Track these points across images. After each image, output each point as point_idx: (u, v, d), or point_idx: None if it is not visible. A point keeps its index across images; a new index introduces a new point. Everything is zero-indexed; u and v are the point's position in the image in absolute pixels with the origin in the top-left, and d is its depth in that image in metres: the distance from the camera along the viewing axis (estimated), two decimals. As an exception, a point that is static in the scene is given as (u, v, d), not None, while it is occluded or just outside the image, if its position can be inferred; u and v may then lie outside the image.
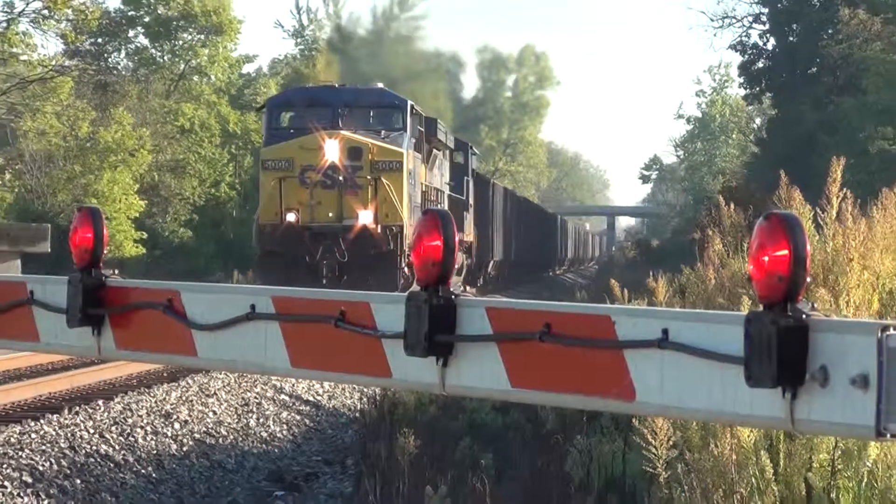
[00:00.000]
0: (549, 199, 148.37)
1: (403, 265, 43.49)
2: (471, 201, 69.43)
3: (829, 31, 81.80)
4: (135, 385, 32.17)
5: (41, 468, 24.68)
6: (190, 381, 33.87)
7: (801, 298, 6.41)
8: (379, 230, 39.26)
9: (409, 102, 44.51)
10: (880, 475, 14.62)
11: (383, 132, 41.92)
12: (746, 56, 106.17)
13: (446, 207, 59.56)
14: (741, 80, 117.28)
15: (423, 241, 7.29)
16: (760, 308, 6.39)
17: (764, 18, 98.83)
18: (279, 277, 35.54)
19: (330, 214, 36.89)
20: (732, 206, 25.75)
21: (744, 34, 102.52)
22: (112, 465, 26.15)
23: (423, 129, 54.17)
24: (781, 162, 32.67)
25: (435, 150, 58.98)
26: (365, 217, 37.93)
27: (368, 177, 39.40)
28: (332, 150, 37.92)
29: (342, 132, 39.80)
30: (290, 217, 36.20)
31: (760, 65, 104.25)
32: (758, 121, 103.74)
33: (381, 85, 74.94)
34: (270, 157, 38.79)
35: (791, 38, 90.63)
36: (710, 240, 22.57)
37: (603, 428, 19.55)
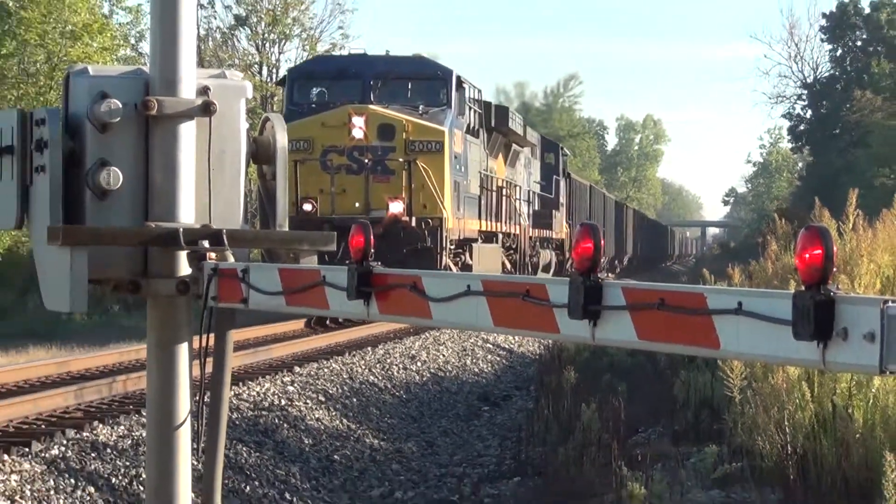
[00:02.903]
0: (663, 216, 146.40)
1: (447, 262, 31.88)
2: (562, 200, 54.76)
3: (848, 105, 78.96)
4: (391, 338, 32.90)
5: (331, 392, 25.62)
6: (427, 335, 33.94)
7: (830, 282, 5.31)
8: (413, 223, 27.79)
9: (455, 73, 31.30)
10: (881, 397, 14.90)
11: (422, 107, 28.74)
12: (792, 122, 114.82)
13: (537, 206, 50.04)
14: (789, 137, 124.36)
15: (580, 244, 6.50)
16: (803, 288, 5.32)
17: (805, 97, 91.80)
18: None
19: (356, 205, 25.35)
20: (784, 220, 24.76)
21: (790, 107, 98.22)
22: (377, 389, 27.21)
23: (480, 111, 38.21)
24: (816, 192, 32.24)
25: (516, 146, 43.65)
26: (396, 208, 26.26)
27: (402, 160, 26.89)
28: (359, 128, 25.25)
29: (371, 107, 26.85)
30: (307, 207, 25.22)
31: (802, 128, 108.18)
32: (800, 164, 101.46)
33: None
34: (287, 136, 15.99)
35: (822, 110, 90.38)
36: (769, 243, 22.16)
37: (698, 367, 20.02)
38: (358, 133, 22.62)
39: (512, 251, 43.23)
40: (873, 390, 14.65)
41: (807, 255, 5.51)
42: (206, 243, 7.85)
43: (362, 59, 28.88)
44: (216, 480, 8.07)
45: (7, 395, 20.42)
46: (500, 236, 41.45)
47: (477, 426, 25.24)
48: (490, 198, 36.69)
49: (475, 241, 37.15)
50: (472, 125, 38.05)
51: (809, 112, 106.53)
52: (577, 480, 17.46)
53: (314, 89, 26.49)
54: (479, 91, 40.04)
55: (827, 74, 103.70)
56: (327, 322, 30.69)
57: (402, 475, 20.66)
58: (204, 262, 7.85)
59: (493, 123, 38.42)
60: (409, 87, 24.44)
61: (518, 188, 44.03)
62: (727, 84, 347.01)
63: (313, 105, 28.17)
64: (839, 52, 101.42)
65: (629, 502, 15.41)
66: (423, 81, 25.19)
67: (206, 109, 7.94)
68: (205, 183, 8.03)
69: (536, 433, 22.21)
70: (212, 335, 7.92)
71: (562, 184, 54.63)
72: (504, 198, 40.18)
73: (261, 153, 8.02)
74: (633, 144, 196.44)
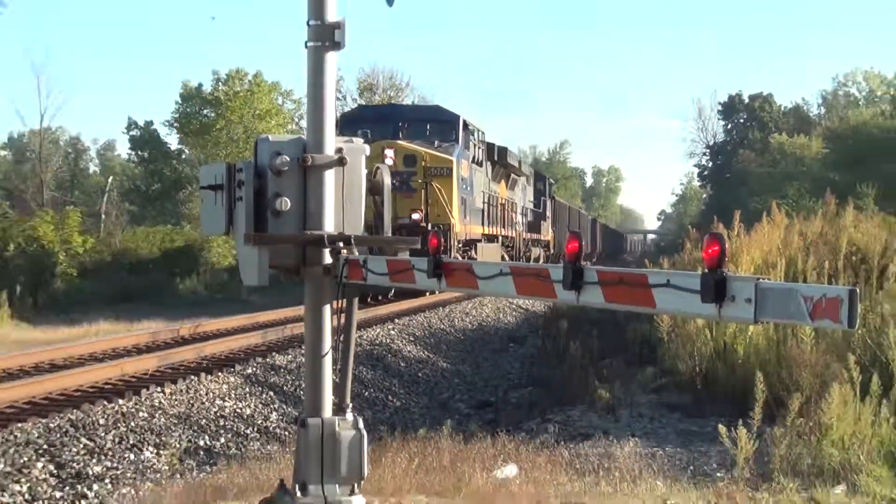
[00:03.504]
0: (620, 226, 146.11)
1: (455, 255, 29.86)
2: (548, 214, 51.75)
3: (734, 159, 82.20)
4: (454, 301, 32.15)
5: (417, 334, 25.04)
6: (475, 301, 32.92)
7: (723, 267, 5.70)
8: (428, 227, 26.00)
9: (462, 118, 30.81)
10: (755, 338, 15.04)
11: (437, 143, 28.26)
12: (700, 169, 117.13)
13: (530, 218, 47.31)
14: (698, 179, 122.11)
15: (570, 244, 6.57)
16: (707, 271, 5.64)
17: (707, 153, 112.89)
18: None
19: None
20: (694, 230, 27.03)
21: (699, 159, 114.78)
22: (445, 333, 26.67)
23: (483, 146, 36.43)
24: (715, 213, 31.27)
25: (514, 176, 41.96)
26: (416, 216, 25.67)
27: (421, 181, 26.44)
28: (390, 158, 24.91)
29: (399, 142, 26.55)
30: None
31: (706, 173, 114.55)
32: (705, 195, 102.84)
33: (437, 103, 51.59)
34: None
35: (718, 162, 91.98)
36: (685, 244, 23.00)
37: (641, 320, 19.34)
38: (389, 161, 21.70)
39: (509, 248, 41.81)
40: (749, 333, 14.96)
41: (709, 251, 5.72)
42: (340, 244, 7.84)
43: (394, 108, 27.35)
44: (347, 388, 8.00)
45: (221, 335, 21.73)
46: (500, 238, 40.09)
47: (506, 356, 25.10)
48: (494, 211, 35.58)
49: (479, 241, 35.57)
50: (476, 157, 36.39)
51: (711, 163, 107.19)
52: (567, 389, 17.50)
53: (359, 130, 24.13)
54: (483, 132, 37.98)
55: (721, 140, 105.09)
56: (369, 299, 28.86)
57: (460, 386, 20.88)
58: (339, 255, 7.84)
59: (496, 158, 36.24)
60: (428, 127, 23.58)
61: (515, 205, 41.49)
62: (665, 142, 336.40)
63: None
64: (729, 125, 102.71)
65: (599, 402, 15.75)
66: (438, 123, 24.31)
67: (341, 162, 7.90)
68: (339, 207, 7.97)
69: (542, 360, 22.87)
70: (343, 300, 8.14)
71: (548, 203, 52.22)
72: (505, 211, 38.22)
73: (374, 188, 8.02)
74: (602, 182, 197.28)
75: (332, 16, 8.23)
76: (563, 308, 24.60)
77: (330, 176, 7.90)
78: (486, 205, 35.93)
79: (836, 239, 18.60)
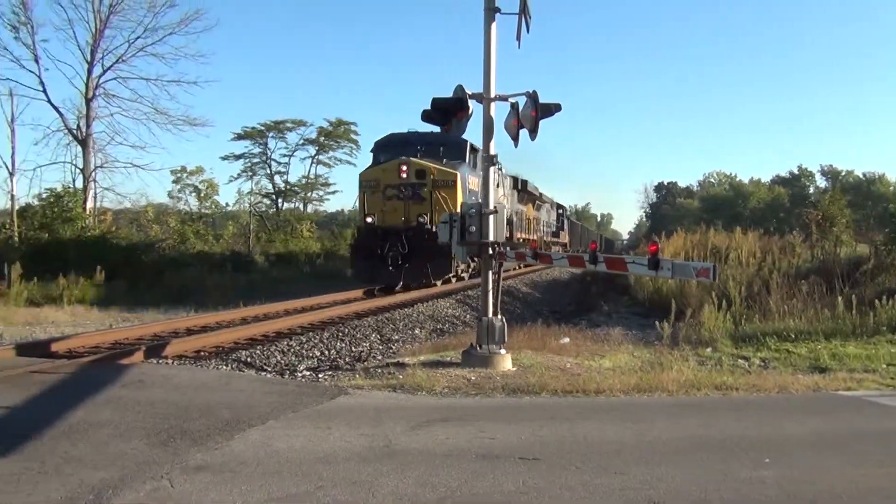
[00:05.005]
0: (612, 237, 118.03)
1: (453, 256, 17.00)
2: (565, 228, 41.39)
3: (660, 209, 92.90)
4: (538, 271, 26.77)
5: (526, 282, 22.63)
6: (549, 270, 27.48)
7: (657, 254, 6.20)
8: (433, 229, 18.03)
9: (469, 141, 20.91)
10: (670, 283, 14.48)
11: (445, 161, 19.75)
12: (646, 212, 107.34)
13: (553, 230, 38.01)
14: (645, 217, 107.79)
15: (592, 245, 7.59)
16: (650, 255, 6.21)
17: (649, 208, 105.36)
18: (363, 263, 17.82)
19: (401, 219, 17.28)
20: (645, 239, 26.76)
21: (646, 209, 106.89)
22: (536, 283, 23.47)
23: (501, 173, 22.60)
24: (654, 231, 30.72)
25: (538, 202, 32.96)
26: (423, 220, 17.59)
27: (427, 190, 18.25)
28: (404, 172, 17.86)
29: (413, 159, 18.93)
30: (369, 219, 17.60)
31: (649, 213, 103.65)
32: (649, 223, 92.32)
33: None
34: (364, 178, 17.97)
35: (654, 210, 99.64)
36: (642, 244, 22.78)
37: (625, 277, 17.27)
38: (403, 175, 17.27)
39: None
40: (669, 283, 14.51)
41: (651, 248, 6.46)
42: (496, 245, 8.02)
43: (416, 134, 21.83)
44: (497, 304, 8.06)
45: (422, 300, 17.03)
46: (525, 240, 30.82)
47: (560, 293, 21.66)
48: (521, 223, 25.54)
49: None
50: (481, 172, 18.33)
51: (651, 210, 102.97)
52: (589, 307, 16.30)
53: (388, 153, 19.28)
54: (496, 155, 19.30)
55: (654, 201, 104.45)
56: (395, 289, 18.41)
57: (544, 303, 18.51)
58: (495, 250, 8.03)
59: (520, 188, 27.04)
60: (441, 150, 18.82)
61: (539, 220, 31.38)
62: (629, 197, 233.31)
63: (382, 160, 19.73)
64: (659, 195, 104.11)
65: (603, 311, 15.52)
66: (448, 146, 19.15)
67: (495, 210, 8.06)
68: (495, 230, 8.05)
69: (578, 294, 20.08)
70: (496, 268, 7.90)
71: (565, 222, 41.98)
72: (531, 223, 27.85)
73: (509, 223, 7.65)
74: (605, 218, 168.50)
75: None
76: (588, 272, 22.58)
77: (491, 217, 8.22)
78: (515, 218, 25.97)
79: (706, 242, 19.33)
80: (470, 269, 20.43)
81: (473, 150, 19.78)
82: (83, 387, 6.50)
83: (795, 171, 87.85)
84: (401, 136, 20.09)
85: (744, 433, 5.58)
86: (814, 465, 4.92)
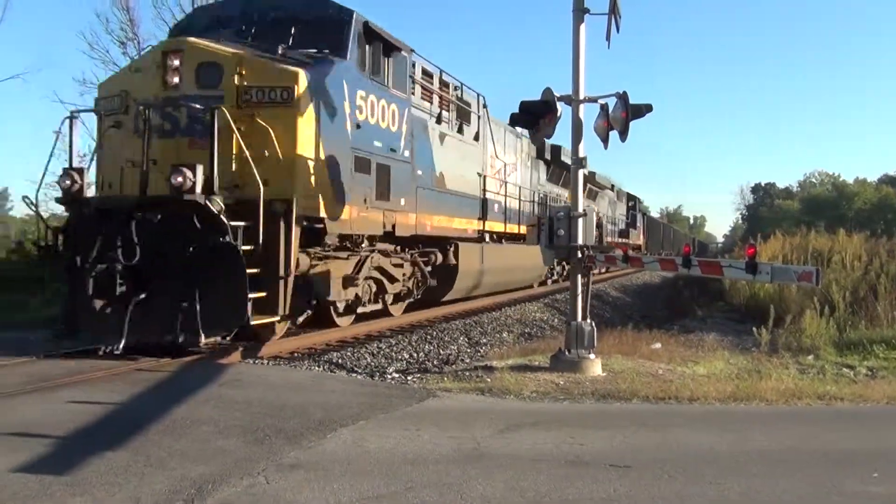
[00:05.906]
0: (705, 240, 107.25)
1: (284, 276, 6.83)
2: (638, 225, 33.71)
3: (758, 211, 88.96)
4: (628, 275, 25.98)
5: (616, 287, 22.62)
6: (640, 274, 26.44)
7: (755, 257, 5.93)
8: (217, 200, 5.57)
9: (356, 15, 7.45)
10: (769, 289, 13.62)
11: (288, 50, 6.44)
12: (742, 213, 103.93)
13: (621, 227, 30.28)
14: (742, 219, 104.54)
15: (685, 248, 7.47)
16: (748, 258, 5.88)
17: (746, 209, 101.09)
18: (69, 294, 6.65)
19: (154, 182, 5.40)
20: (741, 242, 24.90)
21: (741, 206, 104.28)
22: (627, 286, 23.45)
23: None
24: (751, 234, 29.76)
25: (595, 188, 22.92)
26: (178, 179, 5.12)
27: (222, 115, 5.50)
28: (176, 74, 5.06)
29: (192, 40, 5.95)
30: (90, 192, 5.69)
31: (746, 215, 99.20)
32: (745, 226, 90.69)
33: None
34: (102, 93, 5.50)
35: (751, 211, 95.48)
36: (739, 247, 21.82)
37: (720, 282, 16.70)
38: (173, 79, 6.80)
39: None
40: (767, 285, 13.61)
41: (749, 251, 6.54)
42: (584, 248, 7.88)
43: (243, 3, 8.71)
44: (587, 308, 7.96)
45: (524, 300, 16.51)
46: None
47: (651, 297, 21.80)
48: (538, 211, 17.02)
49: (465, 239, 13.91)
50: (433, 109, 11.35)
51: (747, 212, 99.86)
52: (682, 312, 16.07)
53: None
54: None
55: (750, 202, 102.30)
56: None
57: (635, 308, 18.71)
58: (584, 253, 7.91)
59: (548, 157, 16.93)
60: (293, 30, 7.78)
61: (602, 215, 23.42)
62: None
63: None
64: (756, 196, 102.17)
65: (697, 316, 15.34)
66: (314, 23, 7.85)
67: (584, 214, 7.98)
68: (584, 233, 7.92)
69: (670, 298, 19.95)
70: (585, 272, 7.91)
71: (639, 217, 35.20)
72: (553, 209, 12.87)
73: (598, 224, 8.10)
74: (698, 221, 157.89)
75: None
76: (680, 275, 22.92)
77: (580, 220, 8.10)
78: (532, 203, 17.08)
79: (807, 245, 18.74)
80: (554, 274, 19.41)
81: (370, 34, 9.21)
82: (184, 385, 6.69)
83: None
84: (216, 10, 9.66)
85: (849, 445, 5.36)
86: (928, 481, 4.95)
